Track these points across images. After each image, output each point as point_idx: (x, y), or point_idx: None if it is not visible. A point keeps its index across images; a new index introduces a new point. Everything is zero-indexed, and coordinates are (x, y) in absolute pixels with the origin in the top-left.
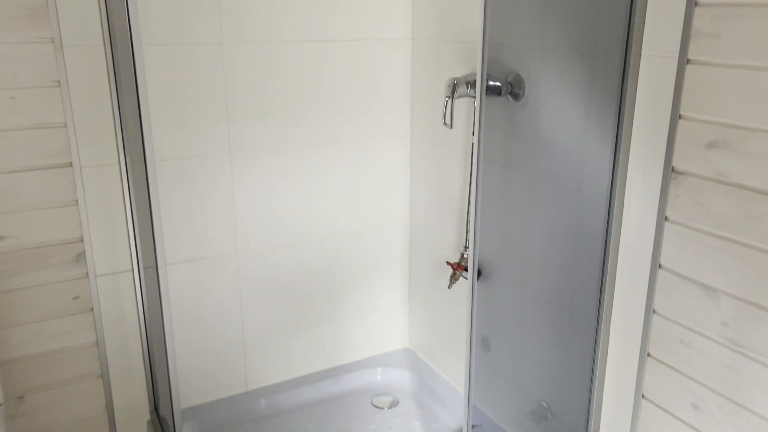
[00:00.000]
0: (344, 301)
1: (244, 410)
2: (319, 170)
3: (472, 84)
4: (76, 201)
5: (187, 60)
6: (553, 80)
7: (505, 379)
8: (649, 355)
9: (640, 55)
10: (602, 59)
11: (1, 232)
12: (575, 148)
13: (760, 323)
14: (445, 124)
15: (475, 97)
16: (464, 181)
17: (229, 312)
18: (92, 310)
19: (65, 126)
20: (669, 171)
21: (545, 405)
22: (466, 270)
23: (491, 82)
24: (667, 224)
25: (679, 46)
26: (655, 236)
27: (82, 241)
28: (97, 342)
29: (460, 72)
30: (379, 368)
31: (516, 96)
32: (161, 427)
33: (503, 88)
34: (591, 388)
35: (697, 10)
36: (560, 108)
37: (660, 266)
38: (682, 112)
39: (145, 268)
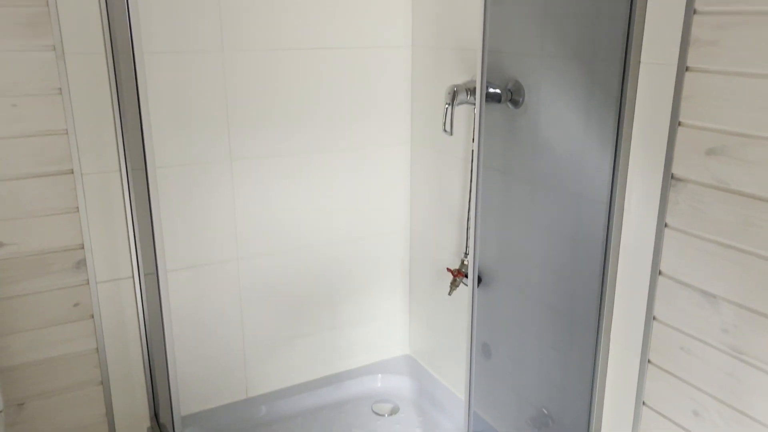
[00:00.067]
0: (344, 308)
1: (244, 417)
2: (319, 177)
3: (472, 91)
4: (77, 208)
5: (188, 67)
6: (553, 87)
7: (506, 386)
8: (649, 361)
9: (639, 63)
10: (602, 66)
11: (2, 238)
12: (575, 154)
13: (761, 330)
14: (445, 130)
15: (475, 104)
16: (464, 188)
17: (230, 318)
18: (92, 317)
19: (66, 133)
20: (668, 178)
21: (546, 412)
22: (466, 276)
23: (491, 89)
24: (666, 231)
25: (678, 53)
26: (655, 243)
27: (83, 248)
28: (97, 349)
29: (460, 79)
30: (380, 375)
31: (516, 103)
32: None
33: (503, 95)
34: (591, 394)
35: (696, 18)
36: (560, 115)
37: (660, 273)
38: (681, 119)
39: (145, 274)
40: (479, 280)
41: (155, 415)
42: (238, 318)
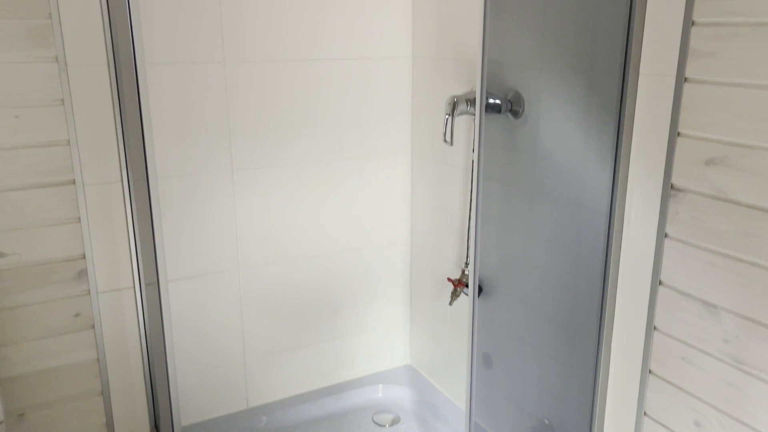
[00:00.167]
0: (345, 318)
1: (245, 427)
2: (320, 187)
3: (472, 102)
4: (78, 218)
5: (190, 79)
6: (553, 98)
7: (507, 396)
8: (650, 372)
9: (638, 74)
10: (601, 77)
11: (4, 249)
12: (575, 165)
13: (761, 340)
14: (445, 141)
15: (475, 115)
16: (465, 198)
17: (230, 329)
18: (93, 327)
19: (68, 144)
20: (668, 188)
21: (547, 422)
22: (467, 286)
23: (491, 100)
24: (667, 241)
25: (676, 64)
26: (655, 253)
27: (84, 258)
28: (97, 359)
29: (460, 90)
30: (381, 385)
31: (516, 114)
32: None
33: (503, 105)
34: (593, 405)
35: (694, 30)
36: (560, 125)
37: (660, 283)
38: (680, 129)
39: (146, 284)
40: (480, 290)
41: (155, 426)
42: (238, 328)
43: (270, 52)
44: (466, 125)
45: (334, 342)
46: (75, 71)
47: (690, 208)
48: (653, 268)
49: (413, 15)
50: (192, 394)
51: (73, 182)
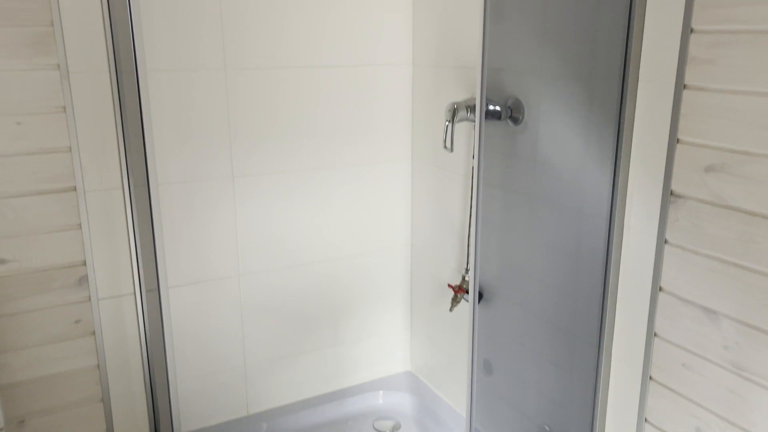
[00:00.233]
0: (346, 324)
1: None
2: (321, 194)
3: (472, 108)
4: (79, 224)
5: (191, 85)
6: (553, 105)
7: (507, 403)
8: (651, 378)
9: (637, 81)
10: (600, 84)
11: (5, 255)
12: (575, 171)
13: (762, 346)
14: (445, 147)
15: (475, 121)
16: (465, 204)
17: (231, 335)
18: (94, 333)
19: (70, 150)
20: (668, 194)
21: (547, 429)
22: (467, 292)
23: (491, 107)
24: (667, 247)
25: (675, 71)
26: (655, 259)
27: (85, 264)
28: (98, 366)
29: (460, 96)
30: (381, 391)
31: (516, 120)
32: None
33: (503, 112)
34: (593, 411)
35: (693, 37)
36: (559, 132)
37: (660, 289)
38: (679, 136)
39: (146, 291)
40: (480, 296)
41: None
42: (239, 334)
43: (271, 59)
44: (466, 132)
45: (334, 348)
46: (76, 78)
47: (690, 215)
48: (653, 275)
49: (413, 22)
50: (192, 400)
51: (74, 189)
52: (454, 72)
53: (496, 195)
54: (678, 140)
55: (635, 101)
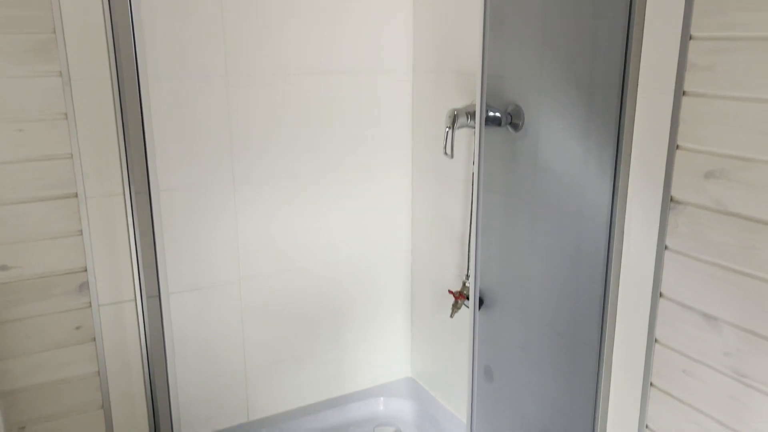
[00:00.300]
0: (346, 330)
1: None
2: (321, 200)
3: (472, 115)
4: (80, 231)
5: (192, 92)
6: (552, 111)
7: (508, 409)
8: (652, 384)
9: (637, 87)
10: (600, 90)
11: (6, 262)
12: (575, 178)
13: (763, 353)
14: (445, 154)
15: (475, 128)
16: (465, 210)
17: (232, 341)
18: (94, 339)
19: (71, 157)
20: (668, 200)
21: None
22: (468, 298)
23: (491, 113)
24: (667, 253)
25: (674, 78)
26: (655, 265)
27: (86, 270)
28: (98, 372)
29: (460, 103)
30: (382, 398)
31: (516, 126)
32: None
33: (503, 118)
34: (594, 418)
35: (692, 44)
36: (559, 138)
37: (661, 295)
38: (679, 142)
39: (147, 297)
40: (481, 302)
41: None
42: (239, 341)
43: (272, 66)
44: (466, 138)
45: (335, 354)
46: (78, 85)
47: (690, 221)
48: (653, 281)
49: (414, 29)
50: (193, 406)
51: (76, 195)
52: (455, 78)
53: (496, 201)
54: (678, 146)
55: (635, 107)
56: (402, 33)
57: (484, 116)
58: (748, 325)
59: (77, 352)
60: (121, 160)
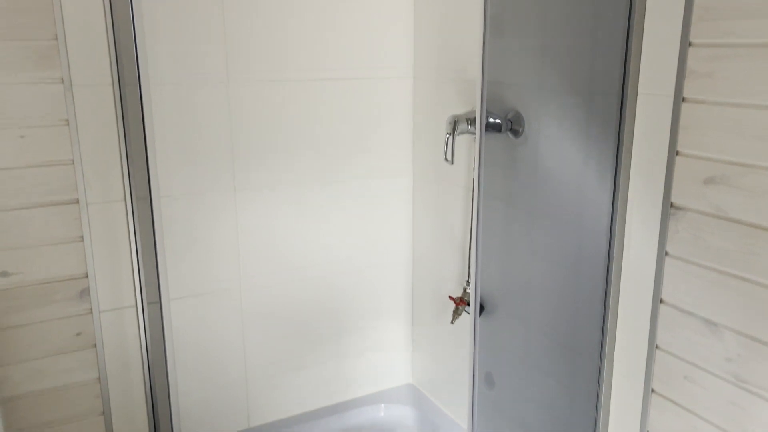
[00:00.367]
0: (347, 337)
1: None
2: (322, 206)
3: (472, 121)
4: (81, 237)
5: (194, 98)
6: (553, 118)
7: (509, 415)
8: (653, 391)
9: (636, 94)
10: (600, 97)
11: (7, 268)
12: (575, 184)
13: (764, 359)
14: (446, 160)
15: (475, 134)
16: (466, 216)
17: (232, 348)
18: (95, 346)
19: (72, 163)
20: (668, 206)
21: None
22: (468, 305)
23: (491, 119)
24: (667, 259)
25: (674, 85)
26: (656, 271)
27: (87, 277)
28: (99, 378)
29: (461, 109)
30: (382, 404)
31: (516, 133)
32: None
33: (503, 125)
34: (595, 424)
35: (691, 51)
36: (560, 145)
37: (661, 301)
38: (679, 148)
39: (148, 303)
40: (481, 308)
41: None
42: (240, 347)
43: (272, 72)
44: (466, 144)
45: (336, 361)
46: (80, 92)
47: (690, 227)
48: (654, 287)
49: (414, 35)
50: (194, 413)
51: (77, 201)
52: (455, 85)
53: (497, 207)
54: (677, 152)
55: (635, 114)
56: (403, 39)
57: (484, 122)
58: (748, 331)
59: (78, 358)
60: (122, 166)
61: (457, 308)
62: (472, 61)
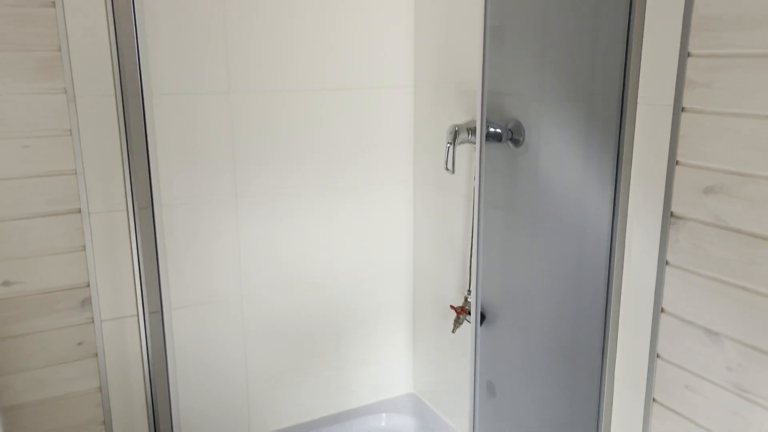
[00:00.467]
0: (348, 346)
1: None
2: (323, 215)
3: (473, 131)
4: (84, 246)
5: (195, 109)
6: (553, 127)
7: (511, 424)
8: (654, 400)
9: (636, 104)
10: (600, 107)
11: (9, 277)
12: (575, 193)
13: (764, 368)
14: (447, 169)
15: (475, 143)
16: (467, 225)
17: (233, 357)
18: (96, 355)
19: (75, 173)
20: (668, 216)
21: None
22: (470, 314)
23: (492, 129)
24: (668, 268)
25: (673, 94)
26: (656, 280)
27: (88, 286)
28: (100, 388)
29: (461, 119)
30: (384, 414)
31: (516, 142)
32: None
33: (504, 134)
34: None
35: (690, 61)
36: (560, 154)
37: (662, 310)
38: (678, 158)
39: (150, 312)
40: (482, 317)
41: None
42: (241, 356)
43: (274, 82)
44: (467, 153)
45: (337, 370)
46: (83, 102)
47: (690, 236)
48: (655, 296)
49: (415, 45)
50: (195, 422)
51: (79, 211)
52: (455, 94)
53: (497, 216)
54: (677, 162)
55: (634, 124)
56: (403, 48)
57: (484, 132)
58: (749, 340)
59: (79, 367)
60: (124, 175)
61: (458, 317)
62: (473, 71)
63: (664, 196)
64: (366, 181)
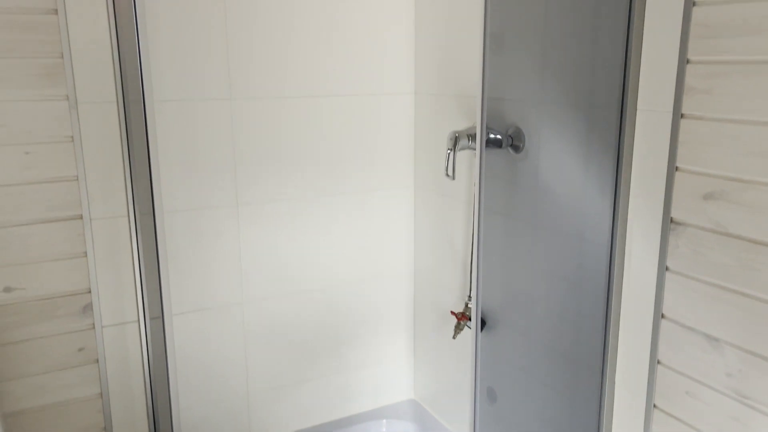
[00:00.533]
0: (349, 352)
1: None
2: (324, 221)
3: (473, 137)
4: (85, 253)
5: (197, 115)
6: (553, 133)
7: (511, 430)
8: (655, 406)
9: (636, 110)
10: (599, 113)
11: (10, 283)
12: (575, 199)
13: (764, 374)
14: (447, 175)
15: (476, 150)
16: (467, 231)
17: (234, 363)
18: (97, 361)
19: (77, 179)
20: (668, 222)
21: None
22: (470, 319)
23: (492, 135)
24: (668, 274)
25: (673, 101)
26: (656, 286)
27: (90, 292)
28: (101, 394)
29: (461, 125)
30: (384, 420)
31: (516, 148)
32: None
33: (504, 140)
34: None
35: (689, 68)
36: (560, 160)
37: (663, 316)
38: (678, 164)
39: (151, 318)
40: (483, 323)
41: None
42: (242, 362)
43: (275, 89)
44: (467, 159)
45: (337, 376)
46: (85, 109)
47: (690, 242)
48: (655, 302)
49: (415, 52)
50: (195, 428)
51: (81, 217)
52: (456, 101)
53: (498, 222)
54: (677, 168)
55: (634, 130)
56: (404, 56)
57: (484, 138)
58: (749, 346)
59: (80, 373)
60: (126, 182)
61: (458, 323)
62: (473, 78)
63: (664, 202)
64: (367, 187)
